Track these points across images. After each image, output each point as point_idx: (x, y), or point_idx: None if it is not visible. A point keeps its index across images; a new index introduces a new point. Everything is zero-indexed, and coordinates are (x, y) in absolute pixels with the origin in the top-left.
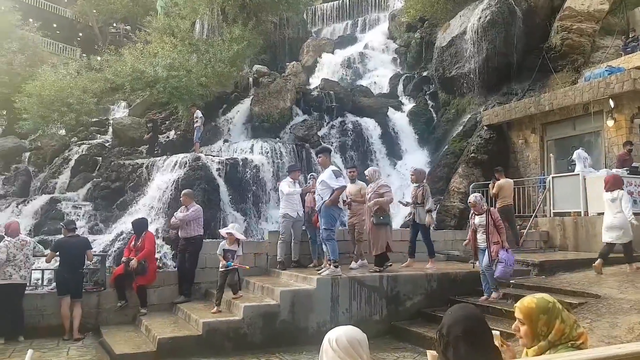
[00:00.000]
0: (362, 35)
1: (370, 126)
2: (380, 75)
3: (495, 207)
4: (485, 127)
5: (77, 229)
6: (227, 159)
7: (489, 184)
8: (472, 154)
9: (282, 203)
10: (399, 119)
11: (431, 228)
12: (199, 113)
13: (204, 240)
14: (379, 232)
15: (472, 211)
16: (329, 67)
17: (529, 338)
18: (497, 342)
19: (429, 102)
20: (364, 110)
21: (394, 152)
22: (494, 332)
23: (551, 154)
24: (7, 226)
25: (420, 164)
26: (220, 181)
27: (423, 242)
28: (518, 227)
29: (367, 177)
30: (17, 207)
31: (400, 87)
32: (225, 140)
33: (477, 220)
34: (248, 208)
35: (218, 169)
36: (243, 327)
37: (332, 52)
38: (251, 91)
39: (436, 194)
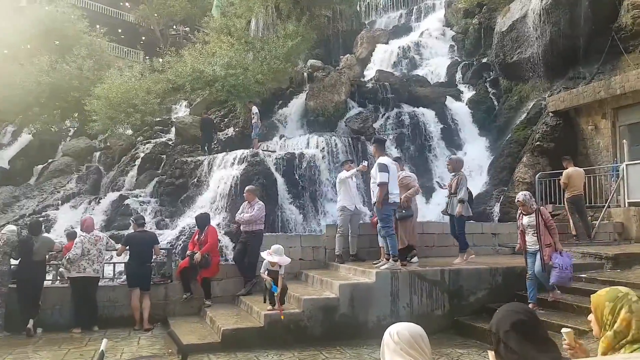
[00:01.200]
0: (417, 24)
1: (428, 116)
2: (437, 63)
3: (564, 198)
4: (550, 114)
5: (145, 224)
6: (283, 154)
7: (555, 173)
8: (538, 142)
9: (340, 196)
10: (458, 108)
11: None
12: (255, 109)
13: (264, 234)
14: (402, 226)
15: (519, 211)
16: (383, 58)
17: (597, 327)
18: (569, 340)
19: (490, 89)
20: (420, 100)
21: (453, 143)
22: (565, 329)
23: (624, 140)
24: (83, 222)
25: (481, 154)
26: (278, 176)
27: (456, 233)
28: (589, 218)
29: None
30: (89, 204)
31: (458, 75)
32: (282, 136)
33: (526, 220)
34: (305, 202)
35: (275, 164)
36: (303, 320)
37: (387, 43)
38: (306, 86)
39: (499, 184)
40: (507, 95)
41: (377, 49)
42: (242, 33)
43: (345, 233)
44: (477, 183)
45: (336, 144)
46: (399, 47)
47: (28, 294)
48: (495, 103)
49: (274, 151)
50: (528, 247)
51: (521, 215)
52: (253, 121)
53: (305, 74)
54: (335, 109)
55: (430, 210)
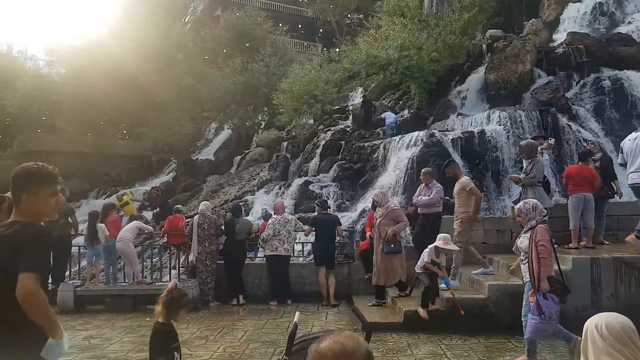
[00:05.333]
0: None
1: (635, 79)
2: None
3: None
4: None
5: (329, 207)
6: (461, 133)
7: None
8: None
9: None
10: None
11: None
12: (384, 115)
13: (442, 217)
14: (390, 262)
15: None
16: (576, 18)
17: None
18: None
19: None
20: (624, 62)
21: None
22: None
23: None
24: (275, 206)
25: None
26: (456, 156)
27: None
28: None
29: (374, 201)
30: (279, 189)
31: None
32: (459, 114)
33: (519, 241)
34: (487, 183)
35: (453, 144)
36: (489, 306)
37: (580, 0)
38: (485, 58)
39: None
40: None
41: (568, 9)
42: (415, 12)
43: None
44: None
45: (521, 119)
46: (595, 4)
47: (233, 269)
48: None
49: (451, 130)
50: (525, 278)
51: (521, 234)
52: (388, 122)
53: (484, 45)
54: (520, 80)
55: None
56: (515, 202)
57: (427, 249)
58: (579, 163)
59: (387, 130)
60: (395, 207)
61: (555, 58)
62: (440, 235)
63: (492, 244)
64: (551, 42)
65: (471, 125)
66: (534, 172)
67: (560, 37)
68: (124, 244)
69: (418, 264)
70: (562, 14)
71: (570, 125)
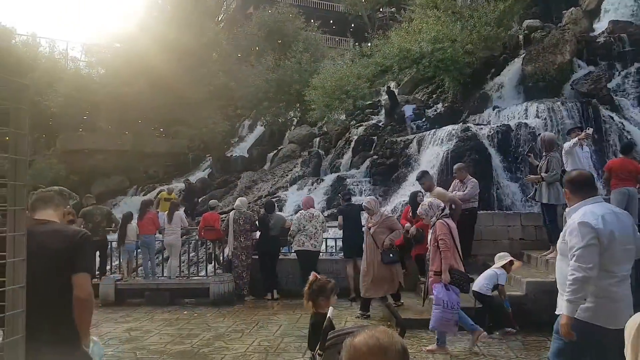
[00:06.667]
0: None
1: None
2: None
3: None
4: None
5: (351, 199)
6: (498, 127)
7: None
8: None
9: (567, 168)
10: None
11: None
12: (403, 108)
13: (478, 212)
14: (390, 271)
15: None
16: (618, 6)
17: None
18: None
19: None
20: None
21: None
22: None
23: None
24: (303, 200)
25: None
26: (492, 150)
27: (546, 225)
28: None
29: (367, 209)
30: (312, 185)
31: None
32: (495, 107)
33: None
34: (525, 177)
35: (489, 138)
36: (527, 303)
37: None
38: (522, 50)
39: None
40: None
41: None
42: (448, 3)
43: None
44: None
45: (561, 111)
46: None
47: (267, 264)
48: None
49: (487, 124)
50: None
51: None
52: (407, 114)
53: (520, 36)
54: (559, 72)
55: None
56: (530, 198)
57: (496, 271)
58: (621, 156)
59: (408, 124)
60: (389, 215)
61: (596, 48)
62: (501, 255)
63: (530, 240)
64: (592, 31)
65: (508, 118)
66: (554, 167)
67: (601, 25)
68: (175, 239)
69: (483, 287)
70: (603, 1)
71: (612, 117)
